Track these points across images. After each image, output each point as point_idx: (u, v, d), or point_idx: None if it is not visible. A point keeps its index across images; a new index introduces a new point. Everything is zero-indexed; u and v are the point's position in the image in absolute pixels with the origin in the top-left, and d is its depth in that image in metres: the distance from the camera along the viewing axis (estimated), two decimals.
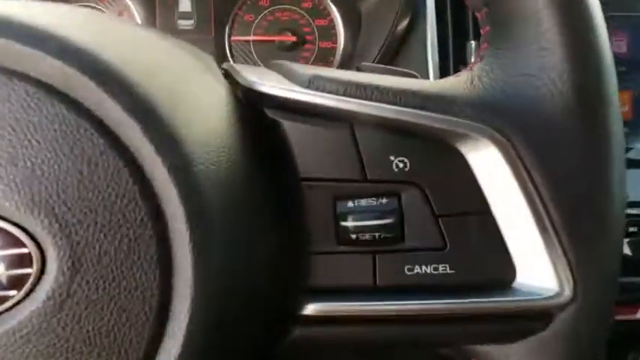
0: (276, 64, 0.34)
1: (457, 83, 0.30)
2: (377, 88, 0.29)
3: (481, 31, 0.31)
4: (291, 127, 0.30)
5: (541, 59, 0.28)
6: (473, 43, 0.66)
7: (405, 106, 0.29)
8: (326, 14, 0.82)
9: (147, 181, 0.23)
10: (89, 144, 0.23)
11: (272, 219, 0.28)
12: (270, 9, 0.82)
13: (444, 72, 0.67)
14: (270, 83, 0.30)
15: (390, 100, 0.29)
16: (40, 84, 0.23)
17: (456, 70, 0.67)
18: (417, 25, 0.69)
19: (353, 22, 0.80)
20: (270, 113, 0.30)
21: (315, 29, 0.82)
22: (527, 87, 0.28)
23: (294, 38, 0.81)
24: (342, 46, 0.81)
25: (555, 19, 0.27)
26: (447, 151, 0.29)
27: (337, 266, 0.29)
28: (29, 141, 0.23)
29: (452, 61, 0.67)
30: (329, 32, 0.82)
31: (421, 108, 0.28)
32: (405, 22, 0.69)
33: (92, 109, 0.23)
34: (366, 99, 0.29)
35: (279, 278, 0.29)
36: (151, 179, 0.24)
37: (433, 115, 0.28)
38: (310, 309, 0.29)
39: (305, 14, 0.83)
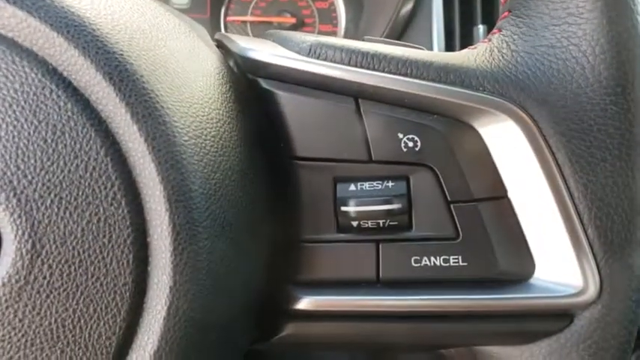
0: (270, 33, 0.30)
1: (474, 55, 0.27)
2: (385, 57, 0.26)
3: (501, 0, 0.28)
4: (288, 100, 0.26)
5: (569, 27, 0.25)
6: (481, 27, 0.63)
7: (416, 77, 0.25)
8: None
9: (121, 153, 0.20)
10: (55, 108, 0.20)
11: (263, 201, 0.25)
12: None
13: None
14: (265, 50, 0.27)
15: (400, 71, 0.26)
16: (1, 38, 0.20)
17: None
18: (422, 8, 0.66)
19: (354, 4, 0.77)
20: (264, 83, 0.27)
21: (315, 12, 0.79)
22: (553, 59, 0.25)
23: (293, 20, 0.78)
24: (343, 29, 0.78)
25: None
26: (462, 129, 0.26)
27: (336, 256, 0.26)
28: (18, 132, 0.20)
29: (458, 46, 0.64)
30: (329, 15, 0.79)
31: (434, 80, 0.25)
32: (409, 5, 0.66)
33: (60, 68, 0.20)
34: (373, 69, 0.26)
35: (271, 268, 0.26)
36: (125, 150, 0.20)
37: (447, 88, 0.25)
38: (305, 303, 0.26)
39: None
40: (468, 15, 0.65)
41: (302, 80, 0.26)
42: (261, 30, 0.78)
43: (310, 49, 0.26)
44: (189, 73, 0.24)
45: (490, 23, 0.64)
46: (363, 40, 0.31)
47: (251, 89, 0.27)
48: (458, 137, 0.26)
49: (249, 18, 0.79)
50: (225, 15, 0.78)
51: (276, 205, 0.26)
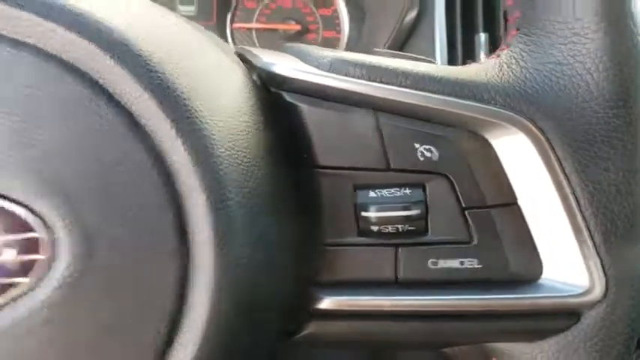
0: (289, 46, 0.32)
1: (484, 70, 0.28)
2: (402, 73, 0.28)
3: (509, 17, 0.30)
4: (310, 112, 0.28)
5: (575, 46, 0.27)
6: (482, 35, 0.65)
7: (431, 92, 0.27)
8: (330, 3, 0.80)
9: (165, 165, 0.22)
10: (104, 123, 0.22)
11: (289, 208, 0.27)
12: None
13: (452, 64, 0.66)
14: (288, 66, 0.29)
15: (417, 86, 0.27)
16: (51, 57, 0.22)
17: (464, 63, 0.66)
18: (425, 16, 0.68)
19: (357, 12, 0.79)
20: (288, 97, 0.29)
21: (319, 19, 0.81)
22: (560, 75, 0.27)
23: (298, 27, 0.79)
24: (346, 36, 0.80)
25: (591, 4, 0.26)
26: (475, 140, 0.28)
27: (357, 259, 0.28)
28: (40, 118, 0.21)
29: (461, 54, 0.66)
30: (333, 22, 0.80)
31: (449, 94, 0.27)
32: (413, 13, 0.67)
33: (108, 85, 0.22)
34: (391, 84, 0.27)
35: (296, 270, 0.27)
36: (169, 163, 0.22)
37: (461, 102, 0.27)
38: (327, 303, 0.28)
39: (309, 3, 0.81)
40: (470, 23, 0.67)
41: (323, 94, 0.28)
42: (266, 37, 0.80)
43: (331, 65, 0.28)
44: (220, 87, 0.25)
45: (491, 31, 0.66)
46: (374, 53, 0.32)
47: (274, 102, 0.29)
48: (471, 148, 0.28)
49: (254, 25, 0.80)
50: (231, 22, 0.80)
51: (300, 211, 0.28)
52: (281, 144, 0.28)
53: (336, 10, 0.80)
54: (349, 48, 0.79)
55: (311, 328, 0.28)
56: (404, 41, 0.69)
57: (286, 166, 0.27)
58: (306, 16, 0.81)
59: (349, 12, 0.79)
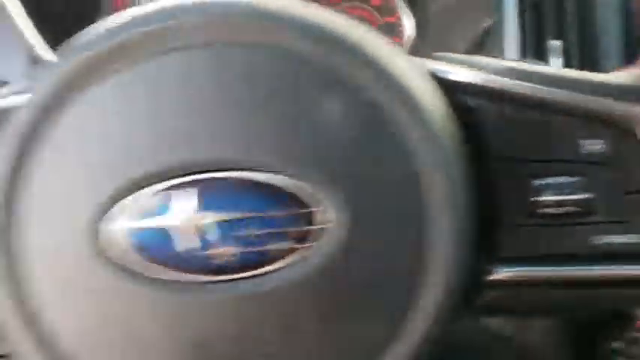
0: (446, 56, 0.37)
1: (632, 77, 0.33)
2: (566, 79, 0.32)
3: None
4: (486, 112, 0.33)
5: None
6: (556, 42, 0.69)
7: (595, 95, 0.32)
8: (394, 11, 0.85)
9: (414, 164, 0.28)
10: (377, 132, 0.28)
11: (478, 193, 0.32)
12: (340, 5, 0.85)
13: None
14: (464, 73, 0.34)
15: (582, 89, 0.32)
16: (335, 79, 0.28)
17: None
18: (498, 24, 0.72)
19: (422, 20, 0.83)
20: (464, 99, 0.33)
21: (384, 26, 0.85)
22: None
23: None
24: (409, 43, 0.84)
25: None
26: (629, 136, 0.33)
27: (529, 237, 0.33)
28: (332, 126, 0.28)
29: (531, 59, 0.70)
30: (396, 29, 0.84)
31: (609, 97, 0.32)
32: (489, 22, 0.72)
33: (362, 86, 0.28)
34: (560, 88, 0.32)
35: (481, 246, 0.32)
36: (418, 164, 0.28)
37: (621, 103, 0.32)
38: (503, 275, 0.33)
39: (374, 11, 0.85)
40: (539, 29, 0.71)
41: (500, 96, 0.33)
42: None
43: (505, 72, 0.33)
44: (431, 93, 0.31)
45: (562, 37, 0.70)
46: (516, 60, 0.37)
47: (454, 104, 0.34)
48: (626, 142, 0.33)
49: None
50: None
51: (484, 196, 0.32)
52: (467, 142, 0.33)
53: (399, 18, 0.84)
54: (411, 54, 0.83)
55: (488, 297, 0.33)
56: (478, 49, 0.73)
57: (473, 161, 0.32)
58: (371, 23, 0.85)
59: (415, 19, 0.83)
